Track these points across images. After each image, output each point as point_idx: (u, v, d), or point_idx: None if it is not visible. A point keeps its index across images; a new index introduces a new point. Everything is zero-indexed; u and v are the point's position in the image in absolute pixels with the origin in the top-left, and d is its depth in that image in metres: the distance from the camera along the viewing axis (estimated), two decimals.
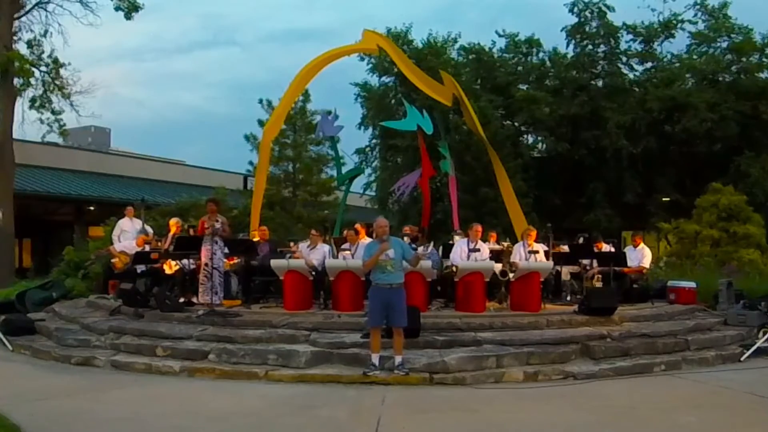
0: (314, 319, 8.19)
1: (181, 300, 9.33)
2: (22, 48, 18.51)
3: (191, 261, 9.75)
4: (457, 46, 24.56)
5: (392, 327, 6.74)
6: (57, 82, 19.06)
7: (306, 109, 22.84)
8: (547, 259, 9.82)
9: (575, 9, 22.30)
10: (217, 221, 9.20)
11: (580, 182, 21.81)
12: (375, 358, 6.70)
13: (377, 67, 23.61)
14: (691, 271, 12.91)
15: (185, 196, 19.05)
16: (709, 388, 6.53)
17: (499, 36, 24.22)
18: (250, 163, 22.45)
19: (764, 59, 21.33)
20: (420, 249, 9.56)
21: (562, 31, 22.74)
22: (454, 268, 9.27)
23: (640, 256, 10.86)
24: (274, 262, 9.20)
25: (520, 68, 23.82)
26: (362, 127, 24.65)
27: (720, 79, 21.44)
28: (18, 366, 7.66)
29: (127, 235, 11.59)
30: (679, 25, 22.25)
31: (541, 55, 24.10)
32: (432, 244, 10.67)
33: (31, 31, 18.97)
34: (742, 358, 7.84)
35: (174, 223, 10.93)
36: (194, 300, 9.34)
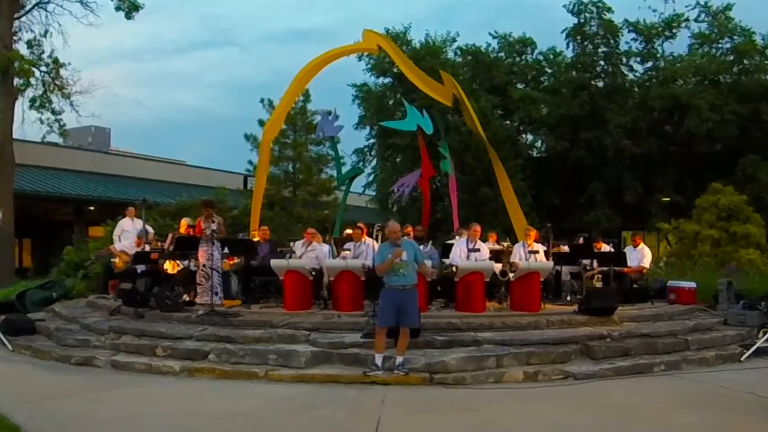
0: (314, 319, 8.19)
1: (184, 299, 9.32)
2: (22, 48, 18.59)
3: (192, 261, 9.75)
4: (454, 46, 24.64)
5: (401, 327, 6.73)
6: (57, 82, 19.09)
7: (306, 109, 22.89)
8: (547, 259, 9.83)
9: (575, 9, 22.31)
10: (213, 222, 9.21)
11: (579, 182, 21.81)
12: (378, 359, 6.70)
13: (375, 68, 23.63)
14: (691, 271, 12.91)
15: (185, 196, 19.04)
16: (709, 388, 6.53)
17: (493, 38, 24.30)
18: (250, 162, 22.52)
19: (765, 61, 21.30)
20: (420, 249, 9.57)
21: (562, 32, 22.78)
22: (454, 268, 9.28)
23: (640, 256, 10.87)
24: (274, 262, 9.19)
25: (515, 68, 23.85)
26: (360, 128, 24.71)
27: (721, 80, 21.43)
28: (18, 366, 7.65)
29: (128, 235, 11.59)
30: (683, 24, 22.21)
31: (536, 54, 24.15)
32: (431, 243, 10.68)
33: (31, 31, 19.05)
34: (742, 358, 7.84)
35: (184, 223, 10.95)
36: (195, 300, 9.34)
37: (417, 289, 6.99)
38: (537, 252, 9.66)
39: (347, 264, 8.97)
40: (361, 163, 24.40)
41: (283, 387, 6.49)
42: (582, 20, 22.38)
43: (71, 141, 28.94)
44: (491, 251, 9.77)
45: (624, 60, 22.86)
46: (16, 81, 18.02)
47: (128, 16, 18.80)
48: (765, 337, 8.19)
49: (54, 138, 20.57)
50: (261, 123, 21.24)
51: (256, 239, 10.89)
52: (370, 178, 25.16)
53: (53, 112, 19.11)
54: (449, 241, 11.19)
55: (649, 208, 20.56)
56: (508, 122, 23.34)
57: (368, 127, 24.48)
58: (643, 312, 9.27)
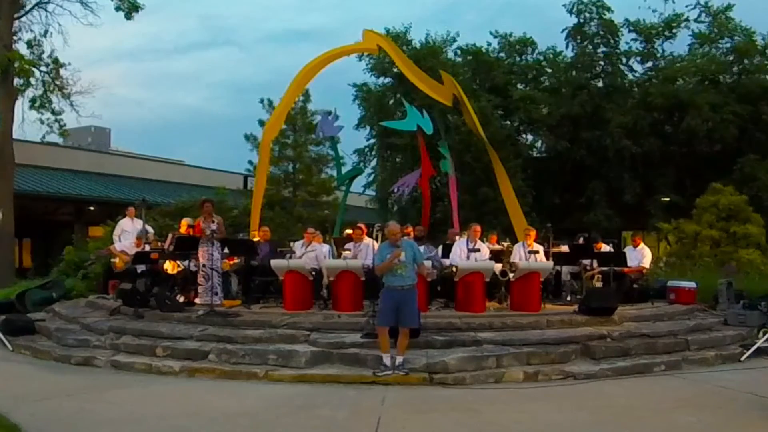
0: (314, 319, 8.19)
1: (181, 299, 9.33)
2: (22, 48, 18.58)
3: (192, 261, 9.75)
4: (454, 46, 24.66)
5: (401, 327, 6.74)
6: (57, 82, 19.10)
7: (306, 109, 22.91)
8: (547, 259, 9.83)
9: (574, 9, 22.32)
10: (213, 222, 9.20)
11: (579, 182, 21.81)
12: (386, 359, 6.70)
13: (375, 68, 23.65)
14: (691, 271, 12.91)
15: (185, 196, 19.05)
16: (709, 388, 6.53)
17: (494, 37, 24.32)
18: (250, 162, 22.55)
19: (766, 61, 21.30)
20: (421, 248, 9.57)
21: (562, 32, 22.80)
22: (454, 268, 9.28)
23: (640, 256, 10.87)
24: (274, 262, 9.20)
25: (515, 68, 23.86)
26: (360, 128, 24.73)
27: (721, 80, 21.42)
28: (18, 366, 7.66)
29: (128, 235, 11.58)
30: (683, 24, 22.20)
31: (536, 54, 24.16)
32: (438, 249, 10.67)
33: (31, 31, 19.04)
34: (742, 358, 7.84)
35: (184, 223, 10.93)
36: (195, 300, 9.34)
37: (416, 289, 6.99)
38: (537, 252, 9.66)
39: (347, 264, 8.96)
40: (361, 163, 24.42)
41: (283, 387, 6.49)
42: (582, 20, 22.39)
43: (71, 141, 28.97)
44: (491, 251, 9.78)
45: (624, 60, 22.88)
46: (16, 81, 18.02)
47: (128, 17, 18.80)
48: (765, 337, 8.18)
49: (54, 138, 20.61)
50: (261, 123, 21.28)
51: (256, 239, 10.88)
52: (370, 178, 25.20)
53: (53, 112, 19.14)
54: (449, 242, 11.18)
55: (648, 208, 20.55)
56: (508, 122, 23.33)
57: (368, 127, 24.50)
58: (643, 312, 9.27)
